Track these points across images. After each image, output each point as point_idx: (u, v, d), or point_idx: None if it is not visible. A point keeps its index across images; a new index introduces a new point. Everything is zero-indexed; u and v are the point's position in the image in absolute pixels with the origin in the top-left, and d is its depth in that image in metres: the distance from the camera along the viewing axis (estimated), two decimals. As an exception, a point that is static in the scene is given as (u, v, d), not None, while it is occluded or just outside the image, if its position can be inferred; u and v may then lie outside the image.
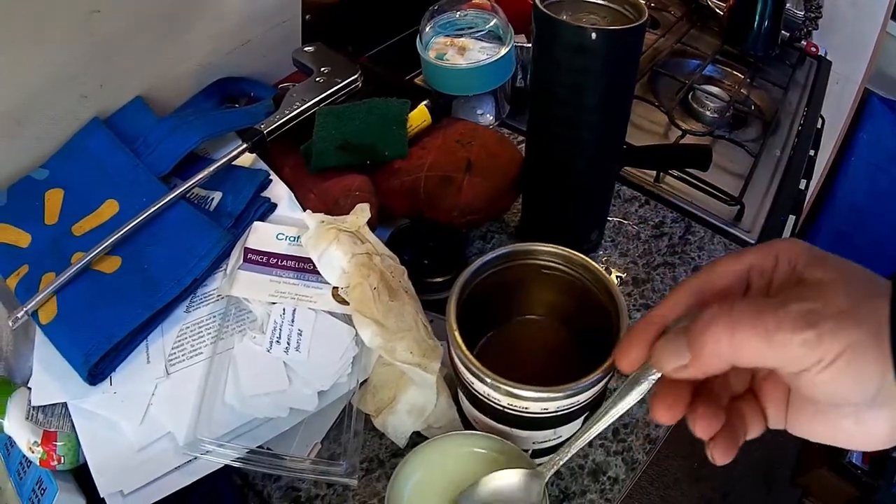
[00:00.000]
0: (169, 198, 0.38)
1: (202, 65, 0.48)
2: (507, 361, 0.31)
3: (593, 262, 0.32)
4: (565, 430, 0.31)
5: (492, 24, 0.52)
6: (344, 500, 0.35)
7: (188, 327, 0.36)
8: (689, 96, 0.66)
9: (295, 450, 0.35)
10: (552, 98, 0.38)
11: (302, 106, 0.44)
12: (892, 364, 0.17)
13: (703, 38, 0.76)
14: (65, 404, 0.34)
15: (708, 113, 0.65)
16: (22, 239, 0.39)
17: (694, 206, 0.53)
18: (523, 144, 0.49)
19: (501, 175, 0.44)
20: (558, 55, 0.36)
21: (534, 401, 0.27)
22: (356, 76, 0.47)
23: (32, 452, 0.32)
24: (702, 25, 0.78)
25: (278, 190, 0.43)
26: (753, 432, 0.21)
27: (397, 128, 0.44)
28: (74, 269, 0.36)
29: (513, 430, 0.30)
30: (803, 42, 0.76)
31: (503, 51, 0.52)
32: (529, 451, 0.32)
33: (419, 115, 0.46)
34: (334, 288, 0.36)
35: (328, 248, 0.36)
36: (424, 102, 0.46)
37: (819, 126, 0.70)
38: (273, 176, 0.43)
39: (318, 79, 0.46)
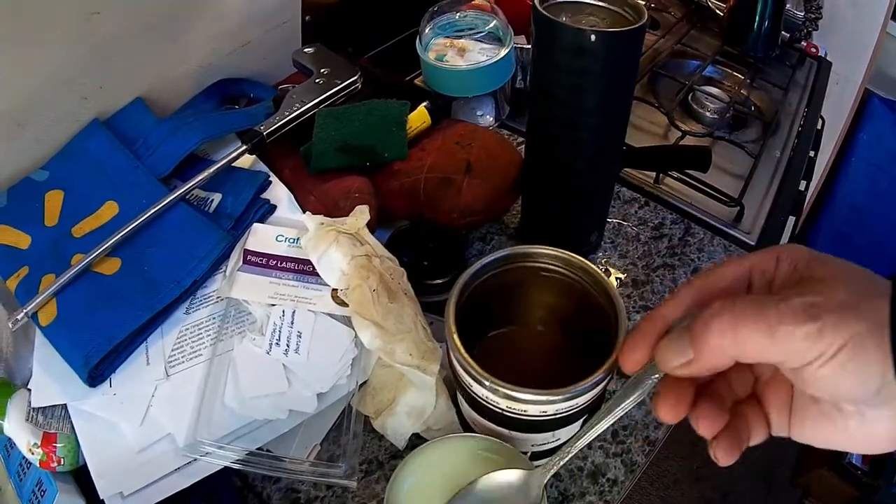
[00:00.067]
0: (168, 199, 0.38)
1: (202, 66, 0.48)
2: (505, 364, 0.31)
3: (592, 265, 0.32)
4: (564, 433, 0.31)
5: (491, 25, 0.52)
6: (343, 502, 0.35)
7: (188, 329, 0.36)
8: (689, 97, 0.66)
9: (294, 451, 0.35)
10: (552, 100, 0.38)
11: (302, 107, 0.44)
12: (892, 363, 0.17)
13: (703, 38, 0.76)
14: (65, 406, 0.34)
15: (708, 114, 0.65)
16: (22, 240, 0.39)
17: (693, 207, 0.53)
18: (523, 146, 0.49)
19: (501, 176, 0.44)
20: (558, 57, 0.36)
21: (532, 404, 0.27)
22: (356, 77, 0.47)
23: (32, 454, 0.32)
24: (702, 26, 0.78)
25: (278, 191, 0.43)
26: (757, 438, 0.21)
27: (397, 129, 0.44)
28: (74, 270, 0.36)
29: (512, 432, 0.30)
30: (803, 43, 0.76)
31: (503, 52, 0.52)
32: (528, 454, 0.32)
33: (419, 117, 0.46)
34: (334, 290, 0.37)
35: (327, 249, 0.36)
36: (424, 104, 0.47)
37: (819, 127, 0.70)
38: (273, 177, 0.43)
39: (317, 80, 0.46)
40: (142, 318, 0.35)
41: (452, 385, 0.33)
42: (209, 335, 0.36)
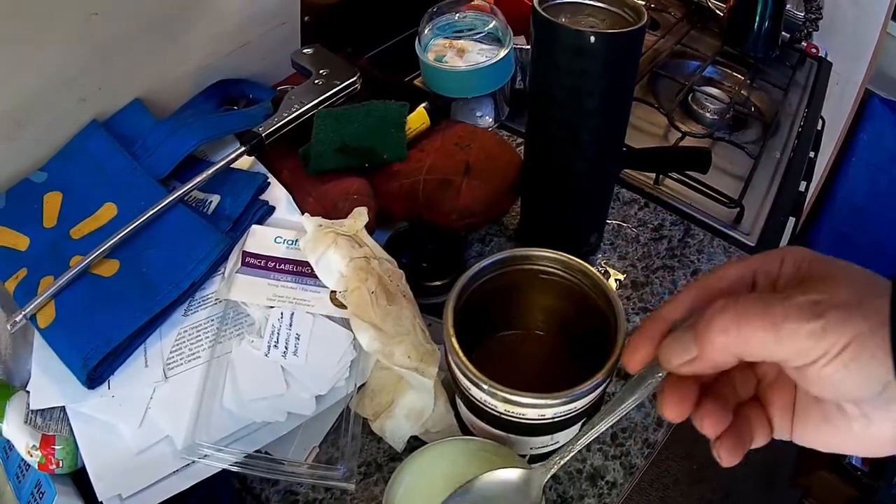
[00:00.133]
0: (167, 201, 0.38)
1: (201, 67, 0.48)
2: (504, 366, 0.31)
3: (591, 268, 0.32)
4: (563, 436, 0.31)
5: (491, 25, 0.52)
6: (342, 504, 0.35)
7: (186, 331, 0.36)
8: (689, 98, 0.66)
9: (293, 454, 0.35)
10: (551, 101, 0.38)
11: (300, 108, 0.44)
12: (893, 364, 0.17)
13: (703, 39, 0.76)
14: (63, 408, 0.34)
15: (708, 115, 0.64)
16: (20, 242, 0.39)
17: (693, 208, 0.53)
18: (522, 147, 0.49)
19: (500, 178, 0.44)
20: (557, 58, 0.36)
21: (531, 407, 0.27)
22: (355, 78, 0.46)
23: (31, 456, 0.32)
24: (702, 26, 0.77)
25: (277, 193, 0.43)
26: (759, 440, 0.21)
27: (396, 130, 0.44)
28: (73, 272, 0.36)
29: (510, 435, 0.30)
30: (803, 43, 0.76)
31: (502, 53, 0.51)
32: (527, 457, 0.32)
33: (418, 118, 0.46)
34: (332, 292, 0.36)
35: (326, 251, 0.36)
36: (423, 105, 0.46)
37: (819, 127, 0.70)
38: (271, 179, 0.43)
39: (316, 81, 0.46)
40: (140, 320, 0.35)
41: (451, 387, 0.33)
42: (207, 337, 0.36)
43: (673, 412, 0.21)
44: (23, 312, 0.35)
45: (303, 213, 0.40)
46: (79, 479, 0.34)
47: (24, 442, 0.32)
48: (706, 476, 0.94)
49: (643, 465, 0.37)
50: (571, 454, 0.25)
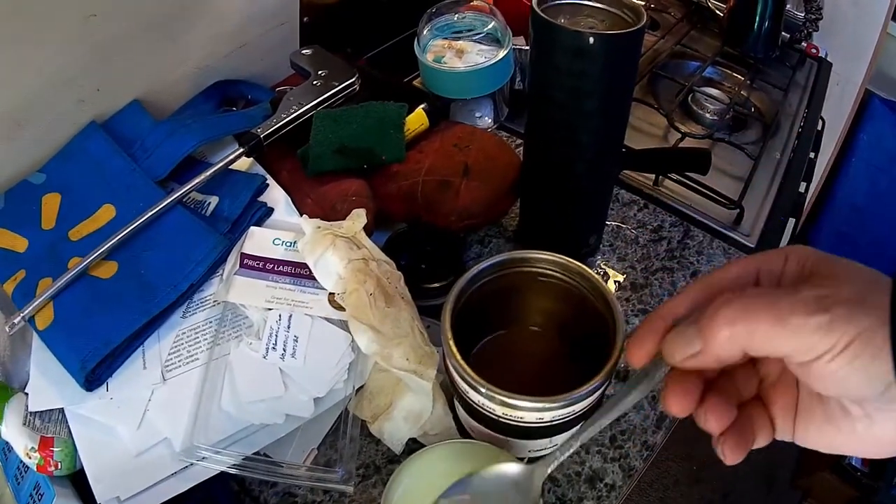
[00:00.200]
0: (165, 203, 0.38)
1: (199, 67, 0.48)
2: (502, 369, 0.31)
3: (590, 270, 0.32)
4: (561, 439, 0.31)
5: (490, 26, 0.52)
6: (340, 506, 0.35)
7: (184, 333, 0.36)
8: (689, 98, 0.65)
9: (291, 456, 0.35)
10: (550, 102, 0.38)
11: (299, 110, 0.44)
12: (893, 364, 0.16)
13: (703, 39, 0.76)
14: (62, 410, 0.34)
15: (707, 115, 0.64)
16: (19, 244, 0.39)
17: (693, 209, 0.53)
18: (522, 147, 0.48)
19: (499, 179, 0.44)
20: (556, 59, 0.36)
21: (529, 411, 0.27)
22: (353, 79, 0.46)
23: (30, 458, 0.32)
24: (702, 27, 0.77)
25: (275, 194, 0.43)
26: (761, 440, 0.21)
27: (395, 131, 0.44)
28: (71, 274, 0.36)
29: (508, 438, 0.30)
30: (803, 43, 0.76)
31: (501, 54, 0.51)
32: (525, 460, 0.32)
33: (417, 119, 0.46)
34: (330, 294, 0.36)
35: (324, 253, 0.36)
36: (422, 106, 0.46)
37: (819, 128, 0.70)
38: (270, 180, 0.43)
39: (315, 82, 0.46)
40: (138, 322, 0.35)
41: (449, 390, 0.33)
42: (206, 339, 0.36)
43: (677, 406, 0.20)
44: (21, 314, 0.35)
45: (301, 215, 0.40)
46: (77, 480, 0.34)
47: (22, 444, 0.32)
48: (706, 477, 0.94)
49: (642, 468, 0.37)
50: (573, 449, 0.24)
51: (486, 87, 0.53)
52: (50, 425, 0.33)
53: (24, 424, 0.33)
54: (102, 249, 0.37)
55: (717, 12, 0.75)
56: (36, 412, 0.33)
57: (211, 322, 0.37)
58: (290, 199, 0.42)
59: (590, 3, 0.37)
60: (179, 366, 0.35)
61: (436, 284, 0.41)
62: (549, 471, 0.25)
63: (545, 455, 0.25)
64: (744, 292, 0.19)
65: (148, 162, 0.42)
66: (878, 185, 1.07)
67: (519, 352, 0.35)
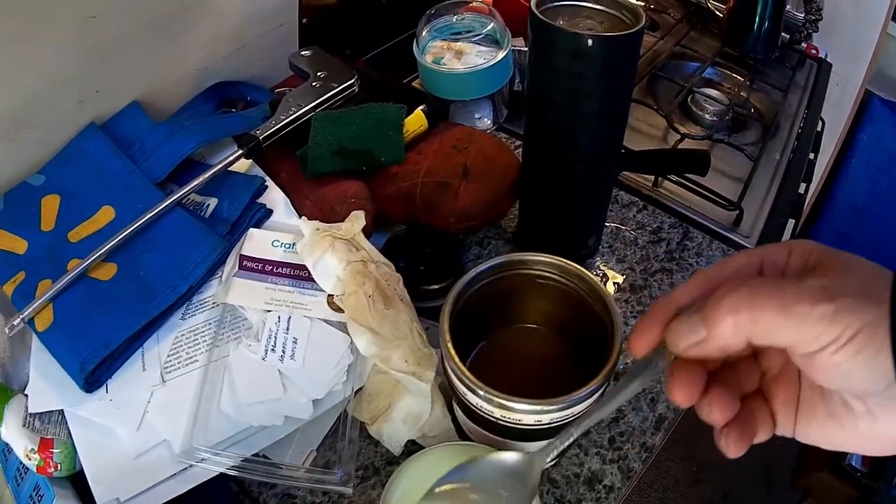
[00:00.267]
0: (164, 204, 0.38)
1: (199, 69, 0.48)
2: (501, 371, 0.31)
3: (588, 272, 0.32)
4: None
5: (489, 27, 0.52)
6: (339, 508, 0.35)
7: (184, 335, 0.36)
8: (689, 99, 0.65)
9: (290, 457, 0.35)
10: (549, 104, 0.38)
11: (298, 111, 0.44)
12: (892, 361, 0.16)
13: (703, 40, 0.75)
14: (61, 411, 0.34)
15: (707, 116, 0.64)
16: (18, 245, 0.39)
17: (692, 211, 0.53)
18: (521, 148, 0.48)
19: (498, 180, 0.44)
20: (555, 61, 0.36)
21: (527, 413, 0.27)
22: (352, 81, 0.46)
23: (29, 459, 0.32)
24: (701, 27, 0.77)
25: (274, 196, 0.43)
26: (762, 435, 0.21)
27: (393, 133, 0.44)
28: (70, 276, 0.36)
29: (507, 440, 0.30)
30: (803, 44, 0.76)
31: (500, 55, 0.51)
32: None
33: (416, 120, 0.46)
34: (329, 296, 0.36)
35: (323, 255, 0.36)
36: (421, 107, 0.46)
37: (819, 129, 0.70)
38: (269, 182, 0.43)
39: (314, 83, 0.46)
40: (138, 324, 0.35)
41: (448, 392, 0.33)
42: (205, 341, 0.36)
43: (682, 394, 0.20)
44: (21, 316, 0.35)
45: (300, 217, 0.40)
46: (77, 482, 0.34)
47: (22, 445, 0.32)
48: (705, 477, 0.94)
49: (641, 469, 0.37)
50: (573, 438, 0.24)
51: (485, 88, 0.53)
52: (50, 427, 0.33)
53: (24, 426, 0.33)
54: (102, 251, 0.37)
55: (717, 13, 0.75)
56: (35, 414, 0.33)
57: (210, 324, 0.37)
58: (289, 200, 0.42)
59: (589, 5, 0.37)
60: (179, 367, 0.35)
61: (435, 286, 0.41)
62: (548, 459, 0.25)
63: (545, 443, 0.24)
64: (749, 281, 0.18)
65: (147, 163, 0.42)
66: (878, 185, 1.07)
67: (517, 354, 0.35)
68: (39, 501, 0.33)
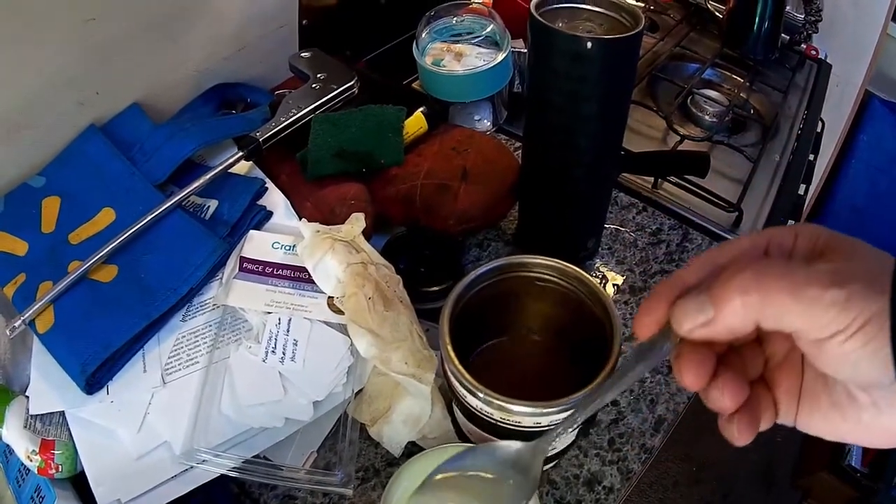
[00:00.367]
0: (165, 206, 0.39)
1: (199, 70, 0.48)
2: (500, 374, 0.31)
3: (587, 275, 0.32)
4: (560, 443, 0.31)
5: (489, 29, 0.52)
6: (339, 509, 0.35)
7: (184, 336, 0.36)
8: (688, 101, 0.65)
9: (291, 459, 0.35)
10: (549, 106, 0.38)
11: (298, 113, 0.44)
12: (892, 358, 0.16)
13: (703, 41, 0.76)
14: (62, 413, 0.34)
15: (707, 117, 0.64)
16: (19, 247, 0.39)
17: (692, 212, 0.53)
18: (520, 150, 0.48)
19: (498, 182, 0.44)
20: (555, 63, 0.36)
21: (527, 415, 0.27)
22: (352, 82, 0.47)
23: (31, 461, 0.32)
24: (701, 28, 0.77)
25: (274, 197, 0.43)
26: (765, 423, 0.20)
27: (393, 135, 0.44)
28: (71, 278, 0.36)
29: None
30: (803, 45, 0.76)
31: (500, 57, 0.51)
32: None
33: (415, 122, 0.46)
34: (329, 297, 0.37)
35: (323, 257, 0.36)
36: (421, 109, 0.47)
37: (819, 130, 0.70)
38: (269, 184, 0.43)
39: (314, 85, 0.46)
40: (138, 326, 0.35)
41: (448, 394, 0.33)
42: (205, 343, 0.36)
43: (691, 376, 0.19)
44: (22, 318, 0.35)
45: (300, 219, 0.40)
46: (78, 483, 0.34)
47: (23, 447, 0.32)
48: (705, 477, 0.94)
49: (640, 470, 0.37)
50: (574, 427, 0.23)
51: (485, 90, 0.53)
52: (51, 428, 0.34)
53: (25, 427, 0.33)
54: (102, 253, 0.37)
55: (717, 14, 0.75)
56: (37, 415, 0.34)
57: (210, 326, 0.37)
58: (289, 202, 0.43)
59: (588, 7, 0.37)
60: (179, 369, 0.35)
61: (434, 288, 0.41)
62: (549, 448, 0.24)
63: (546, 432, 0.24)
64: (759, 261, 0.18)
65: (147, 165, 0.42)
66: (878, 186, 1.07)
67: (517, 356, 0.35)
68: (41, 503, 0.33)
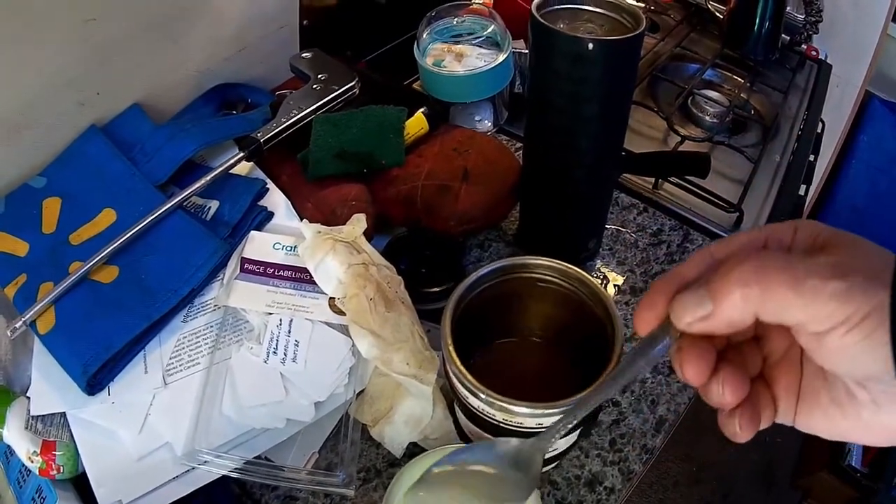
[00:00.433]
0: (166, 207, 0.39)
1: (199, 71, 0.48)
2: (502, 375, 0.31)
3: (589, 276, 0.32)
4: (562, 443, 0.31)
5: (490, 30, 0.52)
6: (341, 510, 0.35)
7: (185, 337, 0.36)
8: (689, 101, 0.65)
9: (292, 460, 0.35)
10: (550, 107, 0.38)
11: (299, 114, 0.44)
12: (892, 354, 0.16)
13: (703, 41, 0.76)
14: (63, 414, 0.34)
15: (707, 118, 0.64)
16: (20, 248, 0.39)
17: (692, 213, 0.53)
18: (521, 150, 0.48)
19: (499, 183, 0.44)
20: (556, 65, 0.36)
21: (528, 416, 0.27)
22: (353, 83, 0.46)
23: (32, 462, 0.32)
24: (701, 29, 0.77)
25: (275, 198, 0.43)
26: (764, 421, 0.20)
27: (394, 136, 0.44)
28: (72, 279, 0.36)
29: (508, 442, 0.30)
30: (803, 46, 0.76)
31: (501, 57, 0.51)
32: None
33: (416, 123, 0.46)
34: (331, 298, 0.37)
35: (324, 258, 0.36)
36: (422, 110, 0.46)
37: (819, 130, 0.70)
38: (270, 184, 0.43)
39: (315, 86, 0.46)
40: (140, 327, 0.35)
41: (449, 394, 0.33)
42: (207, 344, 0.36)
43: (693, 370, 0.19)
44: (23, 318, 0.35)
45: (301, 219, 0.40)
46: (79, 484, 0.34)
47: (24, 448, 0.32)
48: (705, 477, 0.94)
49: (641, 471, 0.37)
50: (574, 422, 0.23)
51: (486, 90, 0.53)
52: (52, 429, 0.34)
53: (26, 428, 0.33)
54: (103, 254, 0.37)
55: (717, 14, 0.75)
56: (38, 416, 0.34)
57: (212, 326, 0.37)
58: (290, 203, 0.43)
59: (589, 8, 0.37)
60: (181, 370, 0.35)
61: (435, 289, 0.41)
62: (549, 445, 0.23)
63: (545, 461, 0.24)
64: (758, 253, 0.18)
65: (148, 166, 0.42)
66: (878, 186, 1.07)
67: (519, 357, 0.35)
68: (42, 504, 0.33)
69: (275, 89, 0.53)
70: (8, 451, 0.35)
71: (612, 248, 0.49)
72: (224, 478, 0.33)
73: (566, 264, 0.32)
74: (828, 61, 0.76)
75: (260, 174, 0.44)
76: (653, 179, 0.55)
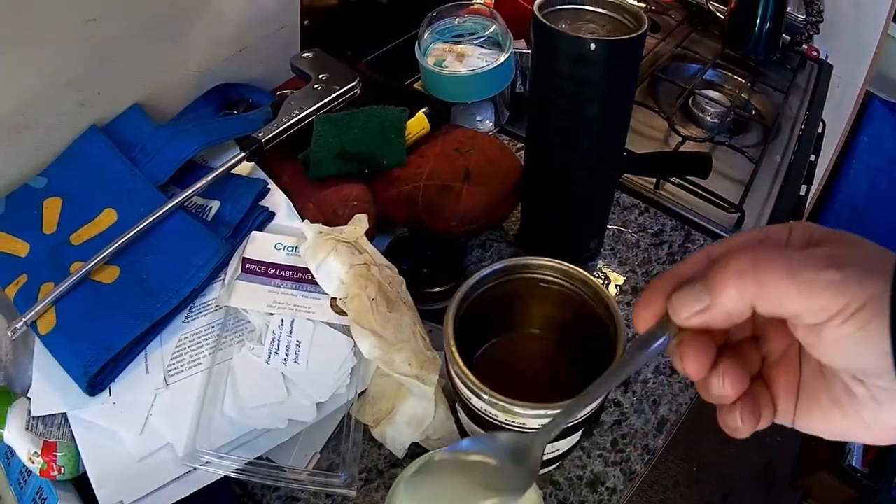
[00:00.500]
0: (167, 207, 0.38)
1: (200, 71, 0.48)
2: (504, 375, 0.31)
3: (591, 276, 0.32)
4: (564, 444, 0.31)
5: (491, 30, 0.52)
6: (342, 511, 0.35)
7: (187, 338, 0.36)
8: (690, 101, 0.65)
9: (294, 460, 0.35)
10: (551, 107, 0.38)
11: (300, 114, 0.44)
12: (892, 351, 0.16)
13: (704, 42, 0.76)
14: (64, 415, 0.34)
15: (708, 118, 0.64)
16: (20, 248, 0.39)
17: (694, 213, 0.53)
18: (523, 150, 0.48)
19: (500, 183, 0.44)
20: (557, 65, 0.36)
21: (531, 417, 0.27)
22: (354, 83, 0.46)
23: (32, 463, 0.32)
24: (702, 29, 0.77)
25: (276, 198, 0.43)
26: (764, 420, 0.20)
27: (395, 136, 0.44)
28: (73, 279, 0.36)
29: (510, 443, 0.30)
30: (804, 46, 0.76)
31: (502, 57, 0.51)
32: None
33: (418, 123, 0.46)
34: (332, 299, 0.37)
35: (326, 258, 0.36)
36: (423, 110, 0.46)
37: (820, 130, 0.70)
38: (271, 184, 0.43)
39: (316, 86, 0.46)
40: (141, 327, 0.35)
41: (451, 395, 0.33)
42: (208, 344, 0.36)
43: (693, 363, 0.19)
44: (23, 319, 0.35)
45: (303, 220, 0.40)
46: (80, 485, 0.34)
47: (25, 448, 0.32)
48: (706, 477, 0.94)
49: (643, 472, 0.37)
50: (574, 418, 0.23)
51: (487, 91, 0.53)
52: (53, 430, 0.33)
53: (27, 429, 0.33)
54: (104, 254, 0.37)
55: (718, 14, 0.75)
56: (39, 417, 0.33)
57: (213, 327, 0.37)
58: (291, 203, 0.43)
59: (591, 8, 0.37)
60: (182, 370, 0.35)
61: (437, 289, 0.41)
62: (548, 439, 0.23)
63: (547, 461, 0.24)
64: (754, 247, 0.18)
65: (149, 166, 0.42)
66: (879, 186, 1.07)
67: (521, 357, 0.35)
68: (42, 504, 0.33)
69: (276, 89, 0.53)
70: (9, 452, 0.35)
71: (614, 249, 0.49)
72: (225, 478, 0.33)
73: (568, 264, 0.32)
74: (828, 61, 0.76)
75: (261, 174, 0.44)
76: (654, 180, 0.55)
